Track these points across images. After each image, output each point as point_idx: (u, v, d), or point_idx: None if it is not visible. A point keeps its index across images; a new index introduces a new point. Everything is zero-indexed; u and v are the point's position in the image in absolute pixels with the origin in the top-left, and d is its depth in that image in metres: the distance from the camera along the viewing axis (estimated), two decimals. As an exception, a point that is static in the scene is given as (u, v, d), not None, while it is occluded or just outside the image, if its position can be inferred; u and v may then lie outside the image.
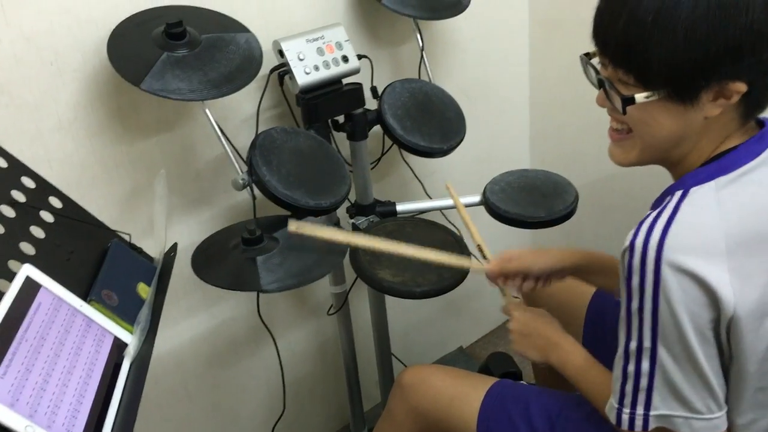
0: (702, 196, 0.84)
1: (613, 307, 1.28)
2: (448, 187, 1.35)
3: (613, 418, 0.90)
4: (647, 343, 0.84)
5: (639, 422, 0.87)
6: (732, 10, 0.78)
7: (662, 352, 0.83)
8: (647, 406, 0.86)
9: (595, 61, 0.91)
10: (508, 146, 2.02)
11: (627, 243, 0.84)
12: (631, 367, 0.86)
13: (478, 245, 1.27)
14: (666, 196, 0.89)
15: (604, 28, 0.86)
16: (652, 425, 0.87)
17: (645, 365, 0.85)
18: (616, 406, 0.89)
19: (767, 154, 0.86)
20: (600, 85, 0.91)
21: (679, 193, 0.86)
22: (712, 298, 0.79)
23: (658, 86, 0.83)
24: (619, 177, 1.90)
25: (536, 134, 2.04)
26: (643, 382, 0.86)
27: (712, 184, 0.84)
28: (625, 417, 0.88)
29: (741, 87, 0.81)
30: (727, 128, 0.87)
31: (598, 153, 1.89)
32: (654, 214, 0.84)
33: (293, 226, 1.15)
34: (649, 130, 0.88)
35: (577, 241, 2.08)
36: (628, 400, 0.88)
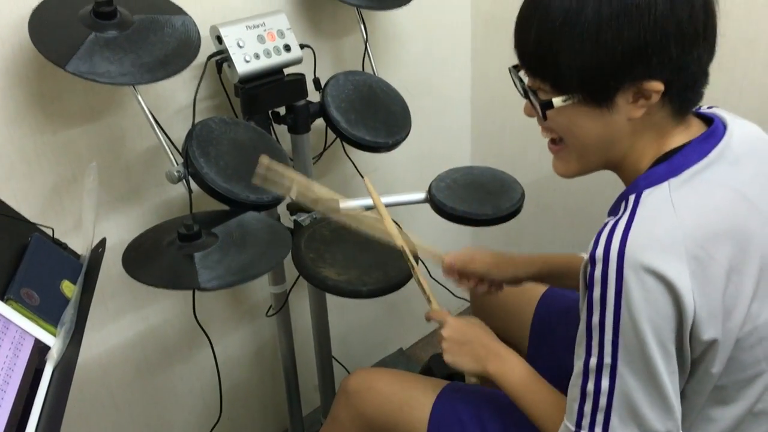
0: (656, 198, 0.83)
1: (561, 306, 1.27)
2: (366, 183, 1.27)
3: None
4: (608, 359, 0.81)
5: None
6: (635, 11, 0.78)
7: (623, 368, 0.80)
8: (605, 427, 0.83)
9: (523, 72, 0.92)
10: (451, 144, 2.00)
11: (587, 256, 0.82)
12: (590, 386, 0.83)
13: (401, 247, 1.21)
14: (620, 201, 0.88)
15: (519, 39, 0.87)
16: None
17: (605, 383, 0.82)
18: (573, 428, 0.86)
19: (716, 153, 0.85)
20: (525, 94, 0.92)
21: (632, 198, 0.85)
22: (675, 299, 0.78)
23: (571, 91, 0.84)
24: (560, 177, 1.90)
25: (478, 132, 2.03)
26: (602, 401, 0.82)
27: (665, 185, 0.83)
28: None
29: (657, 86, 0.81)
30: (663, 127, 0.87)
31: (539, 152, 1.91)
32: (611, 223, 0.83)
33: (265, 160, 1.11)
34: (576, 136, 0.89)
35: (517, 239, 2.08)
36: (586, 422, 0.84)
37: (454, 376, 1.64)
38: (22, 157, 1.17)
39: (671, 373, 0.81)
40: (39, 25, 1.05)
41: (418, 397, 1.14)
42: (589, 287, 0.81)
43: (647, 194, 0.84)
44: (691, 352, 0.82)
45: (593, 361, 0.82)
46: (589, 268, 0.81)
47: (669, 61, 0.80)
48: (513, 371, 1.03)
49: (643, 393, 0.81)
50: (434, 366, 1.76)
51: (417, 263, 1.19)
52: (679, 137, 0.87)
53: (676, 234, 0.79)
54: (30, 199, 1.20)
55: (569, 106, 0.85)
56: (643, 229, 0.80)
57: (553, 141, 0.94)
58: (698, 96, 0.87)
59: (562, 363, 1.19)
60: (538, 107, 0.88)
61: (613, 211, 0.89)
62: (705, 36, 0.82)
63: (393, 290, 1.22)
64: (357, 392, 1.18)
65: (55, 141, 1.20)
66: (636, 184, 0.87)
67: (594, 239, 0.82)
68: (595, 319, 0.81)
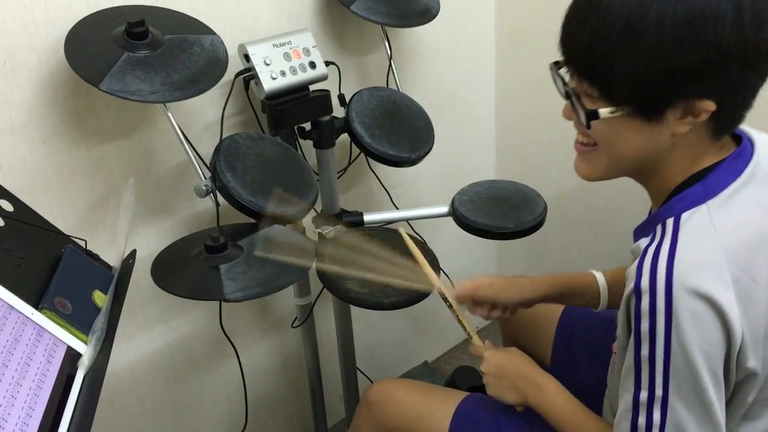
0: (697, 222, 0.81)
1: (582, 321, 1.27)
2: (401, 233, 1.28)
3: None
4: (659, 391, 0.79)
5: None
6: (700, 27, 0.75)
7: (674, 400, 0.79)
8: None
9: (564, 70, 0.88)
10: (475, 158, 2.01)
11: (631, 287, 0.80)
12: (642, 420, 0.82)
13: (440, 290, 1.23)
14: (654, 224, 0.86)
15: (569, 38, 0.83)
16: None
17: (656, 416, 0.80)
18: None
19: (748, 173, 0.84)
20: (567, 96, 0.88)
21: (671, 222, 0.83)
22: (724, 324, 0.76)
23: (622, 102, 0.81)
24: (584, 190, 1.91)
25: (502, 146, 2.04)
26: None
27: (703, 208, 0.82)
28: None
29: (709, 105, 0.78)
30: (699, 146, 0.85)
31: (563, 166, 1.90)
32: (652, 249, 0.81)
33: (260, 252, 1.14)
34: (615, 147, 0.86)
35: (541, 253, 2.08)
36: None
37: (477, 388, 1.65)
38: (57, 172, 1.21)
39: (720, 399, 0.80)
40: (74, 45, 1.09)
41: (438, 408, 1.14)
42: (636, 319, 0.79)
43: (687, 217, 0.82)
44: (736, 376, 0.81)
45: (644, 394, 0.81)
46: (634, 300, 0.80)
47: (728, 82, 0.77)
48: (553, 400, 1.02)
49: (696, 423, 0.80)
50: (458, 379, 1.76)
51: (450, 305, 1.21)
52: (712, 156, 0.85)
53: (721, 258, 0.78)
54: (64, 212, 1.24)
55: (616, 117, 0.82)
56: (689, 254, 0.78)
57: (583, 142, 0.91)
58: (742, 118, 0.84)
59: (583, 377, 1.20)
60: (582, 116, 0.84)
61: (644, 232, 0.87)
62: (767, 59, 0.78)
63: (415, 302, 1.23)
64: (378, 403, 1.19)
65: (89, 156, 1.24)
66: (670, 206, 0.85)
67: (636, 269, 0.80)
68: (645, 351, 0.79)
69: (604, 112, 0.82)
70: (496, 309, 1.21)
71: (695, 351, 0.77)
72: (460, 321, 1.19)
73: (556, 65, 0.89)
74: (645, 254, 0.81)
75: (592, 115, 0.83)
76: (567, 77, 0.87)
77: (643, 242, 0.84)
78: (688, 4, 0.75)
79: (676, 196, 0.85)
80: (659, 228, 0.84)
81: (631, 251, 0.89)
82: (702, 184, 0.84)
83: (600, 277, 1.19)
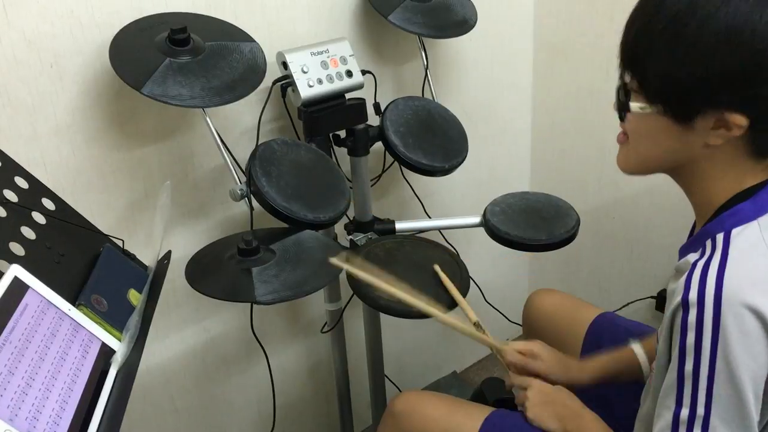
0: (748, 238, 0.81)
1: (610, 335, 1.26)
2: (438, 271, 1.29)
3: None
4: (701, 410, 0.78)
5: None
6: (736, 36, 0.75)
7: (716, 420, 0.77)
8: None
9: None
10: (509, 169, 2.01)
11: (678, 300, 0.79)
12: None
13: (476, 322, 1.23)
14: (703, 239, 0.85)
15: (625, 28, 0.85)
16: None
17: None
18: None
19: None
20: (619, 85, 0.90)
21: (720, 237, 0.82)
22: None
23: (654, 99, 0.82)
24: (619, 205, 1.89)
25: (537, 159, 2.04)
26: None
27: (755, 225, 0.81)
28: None
29: (740, 120, 0.78)
30: (740, 164, 0.84)
31: (598, 180, 1.90)
32: (702, 263, 0.80)
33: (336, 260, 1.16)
34: (644, 143, 0.87)
35: (574, 268, 2.06)
36: None
37: (505, 401, 1.64)
38: (98, 173, 1.25)
39: (760, 423, 0.79)
40: (119, 50, 1.13)
41: (463, 423, 1.14)
42: (682, 333, 0.78)
43: (737, 233, 0.81)
44: None
45: (685, 412, 0.79)
46: (681, 313, 0.78)
47: (761, 98, 0.77)
48: (590, 429, 1.04)
49: None
50: (486, 390, 1.75)
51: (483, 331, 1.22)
52: (759, 175, 0.85)
53: None
54: (104, 212, 1.27)
55: (648, 114, 0.83)
56: (740, 268, 0.78)
57: (623, 133, 0.91)
58: None
59: (609, 393, 1.19)
60: (616, 105, 0.87)
61: (692, 248, 0.87)
62: None
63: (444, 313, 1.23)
64: (403, 414, 1.19)
65: (130, 158, 1.27)
66: (721, 221, 0.84)
67: (684, 282, 0.79)
68: (688, 367, 0.78)
69: (635, 106, 0.84)
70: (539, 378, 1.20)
71: (741, 369, 0.75)
72: (501, 360, 1.22)
73: None
74: (694, 268, 0.80)
75: (624, 107, 0.85)
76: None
77: (692, 257, 0.84)
78: (732, 12, 0.75)
79: (726, 211, 0.84)
80: (709, 243, 0.83)
81: (676, 268, 0.88)
82: (752, 201, 0.83)
83: (638, 349, 1.17)
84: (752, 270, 0.78)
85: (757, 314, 0.75)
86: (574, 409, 1.08)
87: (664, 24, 0.78)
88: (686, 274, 0.80)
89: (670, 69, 0.79)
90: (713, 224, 0.85)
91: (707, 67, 0.77)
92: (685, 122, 0.81)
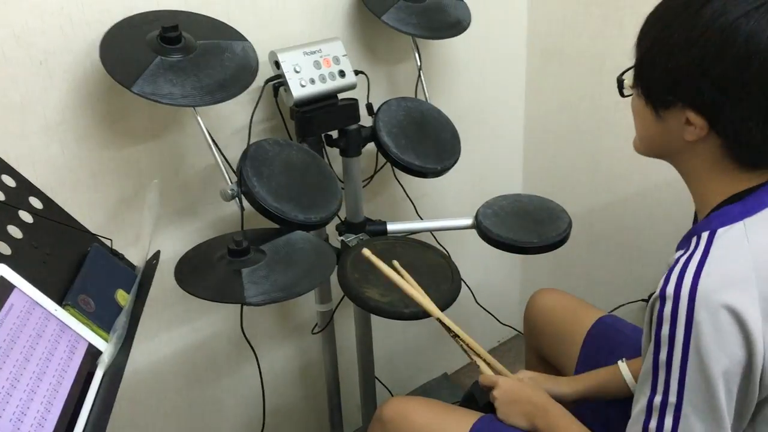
0: (731, 237, 0.82)
1: (610, 338, 1.26)
2: (366, 255, 1.21)
3: None
4: (672, 398, 0.80)
5: None
6: (699, 36, 0.78)
7: (687, 408, 0.79)
8: None
9: None
10: (501, 171, 2.00)
11: (657, 292, 0.81)
12: (653, 424, 0.82)
13: (438, 318, 1.22)
14: (692, 236, 0.87)
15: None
16: None
17: (668, 422, 0.81)
18: None
19: None
20: None
21: (705, 235, 0.84)
22: (746, 339, 0.76)
23: (636, 80, 0.88)
24: (612, 208, 1.89)
25: (530, 161, 2.04)
26: None
27: (740, 225, 0.83)
28: None
29: (698, 120, 0.81)
30: (729, 171, 0.85)
31: (590, 183, 1.90)
32: (683, 259, 0.82)
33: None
34: (636, 123, 0.92)
35: (566, 270, 2.06)
36: None
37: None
38: (88, 172, 1.23)
39: (730, 411, 0.80)
40: (109, 48, 1.12)
41: (452, 428, 1.14)
42: (658, 324, 0.80)
43: (722, 232, 0.83)
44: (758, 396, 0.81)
45: (658, 399, 0.81)
46: (658, 305, 0.81)
47: (706, 101, 0.80)
48: (561, 425, 1.05)
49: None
50: (476, 392, 1.75)
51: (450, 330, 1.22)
52: (754, 179, 0.86)
53: (750, 273, 0.78)
54: (93, 210, 1.26)
55: (636, 95, 0.88)
56: (719, 266, 0.79)
57: None
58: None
59: (606, 411, 1.18)
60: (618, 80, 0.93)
61: (682, 245, 0.88)
62: (749, 92, 0.78)
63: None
64: (392, 421, 1.18)
65: (120, 157, 1.26)
66: (709, 221, 0.86)
67: (665, 275, 0.82)
68: (662, 356, 0.80)
69: (627, 83, 0.90)
70: None
71: (713, 363, 0.77)
72: (465, 351, 1.22)
73: None
74: (676, 263, 0.82)
75: (620, 83, 0.92)
76: None
77: (679, 254, 0.85)
78: (721, 12, 0.77)
79: (716, 212, 0.86)
80: (694, 240, 0.85)
81: (668, 263, 0.89)
82: (742, 203, 0.85)
83: (624, 368, 1.17)
84: (732, 268, 0.79)
85: (732, 312, 0.76)
86: (539, 405, 1.08)
87: (665, 10, 0.83)
88: (668, 268, 0.83)
89: (646, 54, 0.84)
90: (702, 223, 0.87)
91: (673, 57, 0.81)
92: (658, 111, 0.85)
